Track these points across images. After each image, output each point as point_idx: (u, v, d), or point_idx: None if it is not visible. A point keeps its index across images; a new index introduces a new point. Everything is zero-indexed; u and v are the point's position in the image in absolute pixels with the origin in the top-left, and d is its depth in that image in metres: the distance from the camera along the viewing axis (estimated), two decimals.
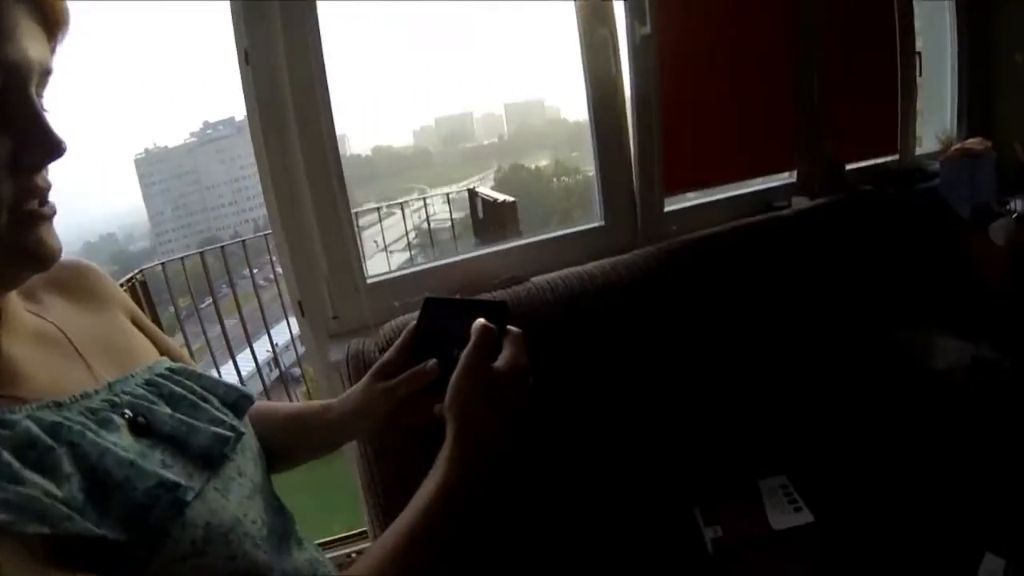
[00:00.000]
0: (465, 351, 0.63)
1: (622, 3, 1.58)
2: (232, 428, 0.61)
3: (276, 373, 4.42)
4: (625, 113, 1.64)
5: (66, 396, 0.51)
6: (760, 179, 1.94)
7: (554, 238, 1.61)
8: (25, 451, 0.44)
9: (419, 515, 0.56)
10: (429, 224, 1.91)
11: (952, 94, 2.20)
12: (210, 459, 0.57)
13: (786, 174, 1.96)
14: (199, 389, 0.63)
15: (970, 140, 1.98)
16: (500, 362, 0.63)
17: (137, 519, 0.47)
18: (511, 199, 1.84)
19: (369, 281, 1.43)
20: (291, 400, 3.43)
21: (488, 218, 1.87)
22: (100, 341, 0.61)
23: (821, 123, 1.90)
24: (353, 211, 1.46)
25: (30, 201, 0.48)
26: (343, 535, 1.99)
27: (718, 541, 1.27)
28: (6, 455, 0.42)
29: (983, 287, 1.88)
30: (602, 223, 1.65)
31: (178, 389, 0.61)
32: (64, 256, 0.53)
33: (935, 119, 2.25)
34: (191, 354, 2.74)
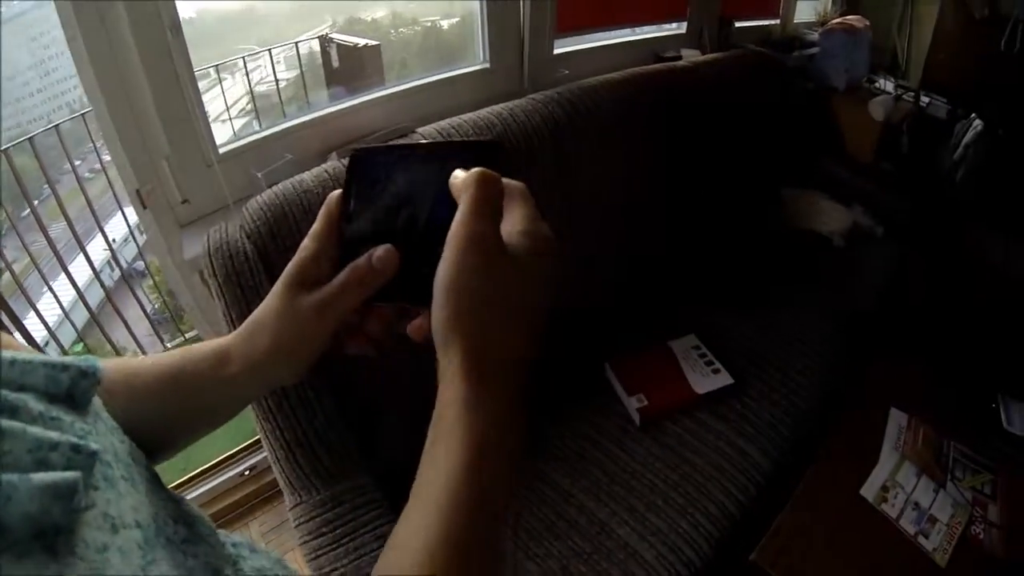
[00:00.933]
0: (457, 220, 0.36)
1: None
2: (74, 453, 0.29)
3: (117, 274, 3.77)
4: None
5: None
6: (649, 27, 1.88)
7: (433, 82, 1.41)
8: None
9: (452, 509, 0.33)
10: (277, 83, 1.62)
11: None
12: (44, 534, 0.26)
13: (674, 24, 1.92)
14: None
15: (850, 16, 2.04)
16: (514, 237, 0.38)
17: None
18: (374, 42, 1.58)
19: (221, 151, 1.17)
20: (140, 303, 2.89)
21: (346, 66, 1.62)
22: None
23: None
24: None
25: None
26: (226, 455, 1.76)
27: (644, 411, 1.27)
28: None
29: (856, 156, 2.00)
30: (487, 65, 1.47)
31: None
32: None
33: None
34: (12, 275, 2.27)
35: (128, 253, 3.86)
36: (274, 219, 1.01)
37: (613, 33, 1.79)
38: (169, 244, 1.15)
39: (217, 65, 1.51)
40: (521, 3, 1.47)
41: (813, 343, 1.47)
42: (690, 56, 1.77)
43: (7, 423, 0.28)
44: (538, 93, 1.35)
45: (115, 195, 2.55)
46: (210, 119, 1.15)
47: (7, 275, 2.27)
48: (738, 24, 1.97)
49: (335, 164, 1.10)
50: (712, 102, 1.64)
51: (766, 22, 2.15)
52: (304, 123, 1.27)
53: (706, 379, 1.33)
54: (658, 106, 1.51)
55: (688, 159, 1.58)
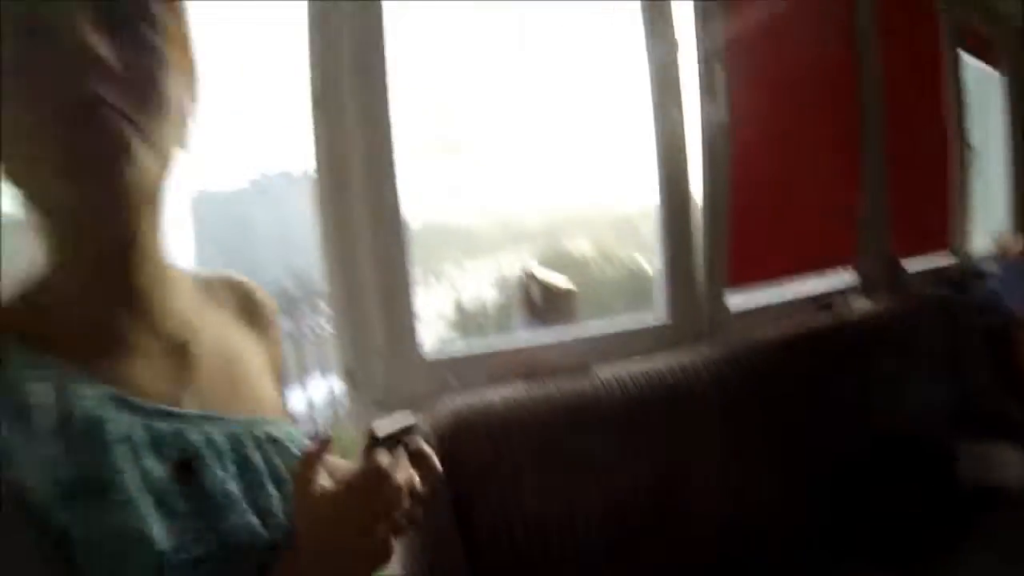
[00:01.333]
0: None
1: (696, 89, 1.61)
2: (277, 534, 0.50)
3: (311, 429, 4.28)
4: (692, 205, 1.64)
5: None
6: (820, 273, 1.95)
7: (617, 334, 1.57)
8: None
9: None
10: (483, 304, 1.92)
11: (1007, 193, 2.21)
12: (228, 555, 0.47)
13: (844, 272, 1.97)
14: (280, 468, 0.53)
15: None
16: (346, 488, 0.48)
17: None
18: (572, 288, 1.84)
19: (427, 358, 1.37)
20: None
21: (544, 305, 1.87)
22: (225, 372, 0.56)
23: (883, 222, 1.93)
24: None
25: None
26: None
27: None
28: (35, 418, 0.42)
29: None
30: (668, 321, 1.61)
31: (257, 458, 0.52)
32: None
33: (987, 217, 2.26)
34: None
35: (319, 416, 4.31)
36: (458, 425, 1.19)
37: (785, 289, 1.88)
38: (366, 424, 1.33)
39: (430, 272, 1.82)
40: (699, 259, 1.64)
41: None
42: (860, 306, 1.80)
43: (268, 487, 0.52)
44: (710, 349, 1.47)
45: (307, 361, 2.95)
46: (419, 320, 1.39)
47: None
48: (909, 262, 1.98)
49: (521, 391, 1.27)
50: (879, 354, 1.65)
51: (939, 259, 2.13)
52: (500, 348, 1.48)
53: None
54: (823, 360, 1.56)
55: (851, 413, 1.58)
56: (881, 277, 1.91)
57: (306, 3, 1.28)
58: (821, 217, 1.86)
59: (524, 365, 1.41)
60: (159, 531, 0.44)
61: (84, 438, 0.44)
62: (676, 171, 1.62)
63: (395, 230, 1.32)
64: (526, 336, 1.57)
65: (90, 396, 0.45)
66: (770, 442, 1.45)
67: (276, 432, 0.55)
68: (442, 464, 1.09)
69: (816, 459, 1.51)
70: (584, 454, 1.26)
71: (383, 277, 1.32)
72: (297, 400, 3.54)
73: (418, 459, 0.53)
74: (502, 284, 1.98)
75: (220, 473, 0.49)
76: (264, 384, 0.61)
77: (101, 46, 0.42)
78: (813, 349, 1.58)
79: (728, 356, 1.46)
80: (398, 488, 0.49)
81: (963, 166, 2.16)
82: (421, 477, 0.52)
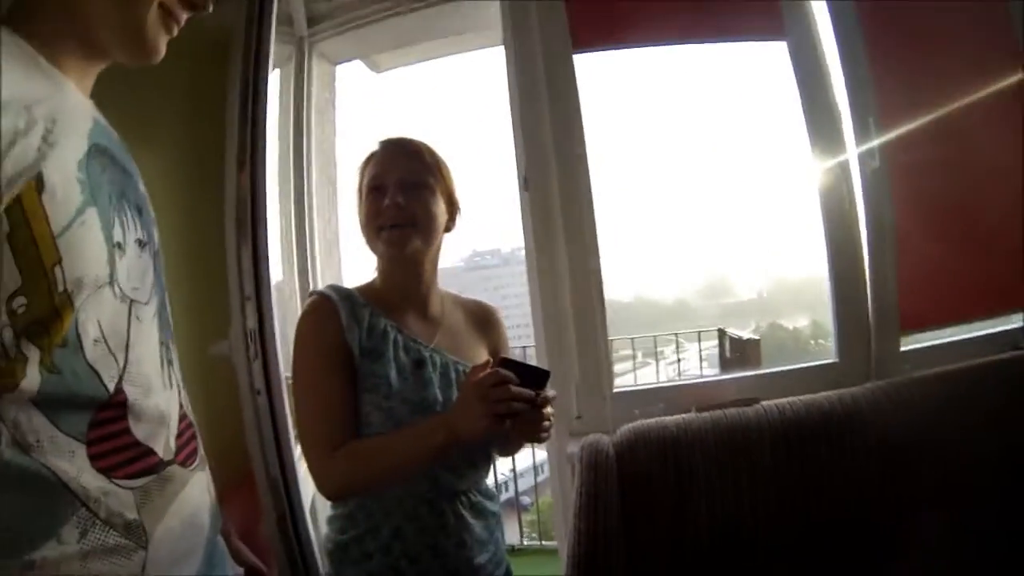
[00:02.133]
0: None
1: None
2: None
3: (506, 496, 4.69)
4: (861, 248, 1.75)
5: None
6: (1008, 317, 1.85)
7: (788, 370, 1.76)
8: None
9: (404, 431, 1.05)
10: (679, 364, 2.18)
11: None
12: (423, 410, 1.10)
13: None
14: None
15: None
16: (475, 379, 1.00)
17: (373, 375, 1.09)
18: (756, 337, 2.04)
19: (615, 391, 1.69)
20: (520, 537, 4.03)
21: (734, 356, 2.08)
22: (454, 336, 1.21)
23: None
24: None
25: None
26: None
27: None
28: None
29: None
30: (836, 360, 1.75)
31: (451, 375, 1.15)
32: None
33: None
34: None
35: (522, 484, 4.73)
36: (635, 438, 1.46)
37: (969, 327, 1.85)
38: (559, 442, 1.65)
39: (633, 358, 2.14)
40: (868, 305, 1.73)
41: None
42: None
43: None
44: (873, 383, 1.56)
45: None
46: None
47: None
48: None
49: (693, 415, 1.51)
50: None
51: None
52: (680, 385, 1.75)
53: None
54: (993, 396, 1.51)
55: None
56: None
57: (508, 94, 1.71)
58: (1002, 256, 1.79)
59: (698, 397, 1.67)
60: (395, 379, 1.09)
61: (382, 336, 1.11)
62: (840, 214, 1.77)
63: (594, 293, 1.68)
64: (706, 377, 1.80)
65: (390, 325, 1.12)
66: (930, 473, 1.46)
67: (465, 370, 1.15)
68: (617, 473, 1.38)
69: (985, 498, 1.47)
70: (743, 470, 1.43)
71: (582, 327, 1.69)
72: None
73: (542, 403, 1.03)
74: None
75: (432, 374, 1.12)
76: (477, 356, 1.19)
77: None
78: (985, 383, 1.55)
79: (890, 388, 1.53)
80: (510, 391, 0.97)
81: None
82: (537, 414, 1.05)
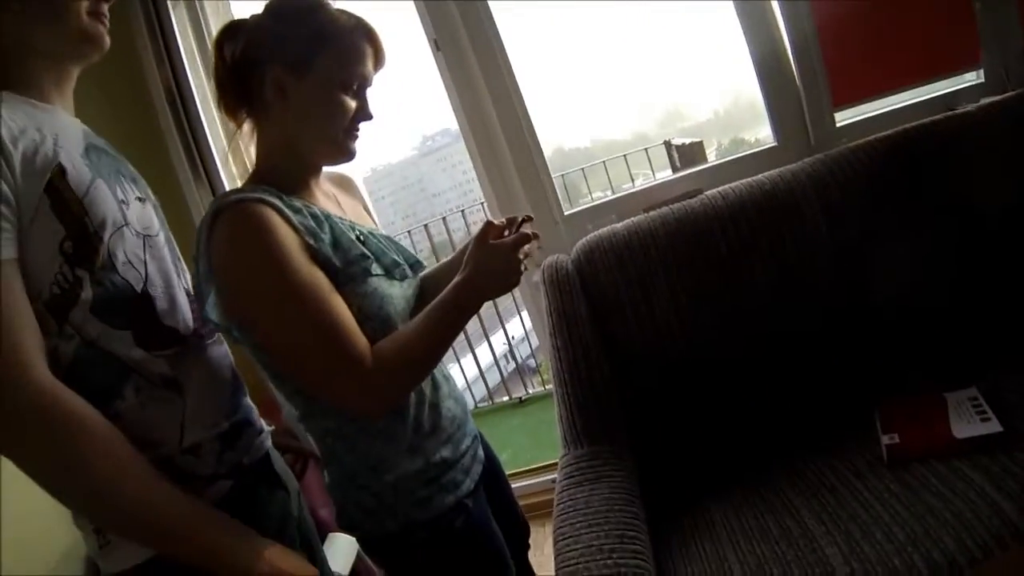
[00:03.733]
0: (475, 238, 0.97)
1: None
2: (403, 272, 1.04)
3: (512, 365, 4.95)
4: (780, 33, 1.75)
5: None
6: (943, 82, 1.85)
7: (730, 160, 1.78)
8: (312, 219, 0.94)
9: (429, 312, 0.94)
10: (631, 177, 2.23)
11: None
12: (389, 271, 1.00)
13: (972, 74, 1.85)
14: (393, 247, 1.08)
15: None
16: (496, 243, 0.94)
17: (348, 262, 0.94)
18: (698, 140, 2.05)
19: (566, 213, 1.74)
20: (526, 390, 4.11)
21: (683, 160, 2.10)
22: (352, 210, 1.11)
23: (1007, 7, 1.76)
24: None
25: (356, 130, 1.00)
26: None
27: (892, 448, 1.25)
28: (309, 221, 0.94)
29: None
30: (775, 144, 1.77)
31: (380, 238, 1.05)
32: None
33: None
34: None
35: (523, 351, 4.92)
36: (590, 249, 1.51)
37: (903, 96, 1.86)
38: (525, 275, 1.72)
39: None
40: (798, 84, 1.75)
41: None
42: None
43: (392, 248, 1.08)
44: (811, 157, 1.58)
45: (515, 301, 3.43)
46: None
47: None
48: None
49: (642, 216, 1.55)
50: (1005, 147, 1.55)
51: None
52: (629, 194, 1.78)
53: (970, 425, 1.24)
54: (931, 158, 1.54)
55: (970, 210, 1.53)
56: (1013, 71, 1.76)
57: None
58: (931, 18, 1.79)
59: (646, 201, 1.70)
60: (368, 259, 0.98)
61: (326, 222, 0.97)
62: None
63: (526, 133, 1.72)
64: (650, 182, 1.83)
65: (319, 211, 0.98)
66: (879, 236, 1.51)
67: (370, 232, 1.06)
68: (580, 284, 1.41)
69: (932, 250, 1.51)
70: (696, 258, 1.48)
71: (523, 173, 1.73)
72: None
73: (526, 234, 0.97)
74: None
75: (375, 241, 1.04)
76: (365, 219, 1.14)
77: None
78: (922, 145, 1.56)
79: (827, 159, 1.55)
80: (517, 247, 0.94)
81: None
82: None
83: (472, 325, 3.51)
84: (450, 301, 0.93)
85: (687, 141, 2.08)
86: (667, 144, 2.19)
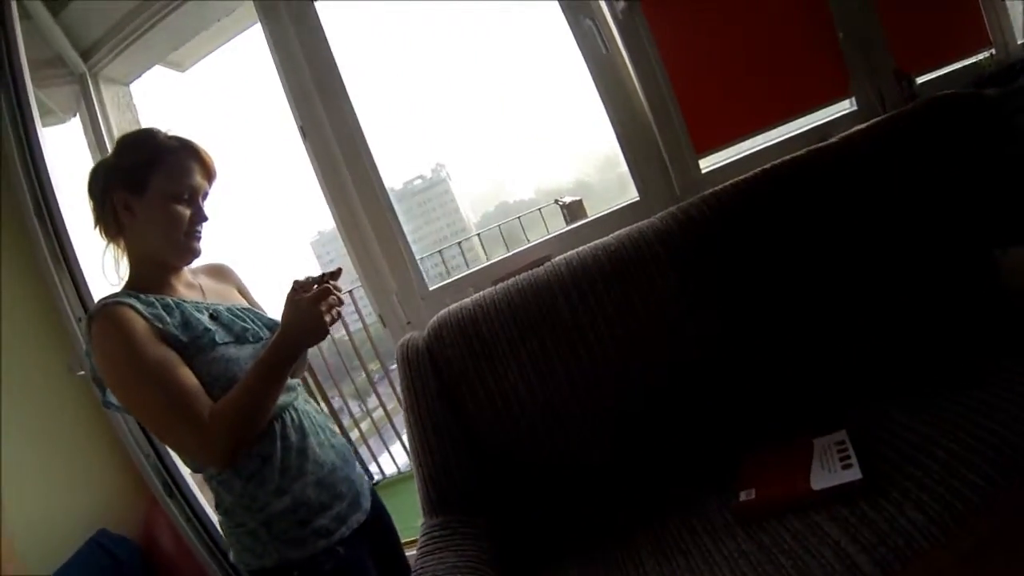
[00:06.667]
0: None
1: None
2: (256, 335, 1.21)
3: None
4: (635, 87, 1.76)
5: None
6: (820, 112, 1.84)
7: (593, 221, 1.78)
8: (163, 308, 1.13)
9: (252, 370, 1.10)
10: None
11: None
12: (240, 337, 1.18)
13: (847, 102, 1.84)
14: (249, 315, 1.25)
15: None
16: (299, 299, 1.11)
17: (195, 336, 1.11)
18: (577, 198, 2.08)
19: (431, 288, 1.76)
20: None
21: (572, 219, 2.12)
22: (216, 292, 1.28)
23: (872, 32, 1.77)
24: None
25: (196, 232, 1.18)
26: None
27: (741, 506, 1.22)
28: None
29: None
30: (638, 197, 1.77)
31: (236, 311, 1.23)
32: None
33: None
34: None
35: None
36: (439, 326, 1.52)
37: (779, 130, 1.84)
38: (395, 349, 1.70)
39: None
40: (655, 134, 1.75)
41: (1013, 433, 1.14)
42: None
43: (250, 319, 1.27)
44: (662, 212, 1.56)
45: None
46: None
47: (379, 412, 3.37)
48: (930, 76, 1.81)
49: (490, 289, 1.55)
50: (868, 176, 1.53)
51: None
52: (484, 267, 1.80)
53: (830, 475, 1.18)
54: (795, 195, 1.52)
55: (854, 236, 1.51)
56: (886, 96, 1.76)
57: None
58: (794, 54, 1.81)
59: (498, 272, 1.71)
60: (213, 333, 1.15)
61: (177, 311, 1.15)
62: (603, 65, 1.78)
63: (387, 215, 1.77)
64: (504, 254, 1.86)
65: (173, 301, 1.15)
66: (733, 283, 1.49)
67: (243, 306, 1.28)
68: (429, 361, 1.42)
69: (791, 290, 1.50)
70: (542, 327, 1.47)
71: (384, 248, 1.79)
72: None
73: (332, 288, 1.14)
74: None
75: (230, 317, 1.21)
76: (237, 300, 1.33)
77: None
78: (774, 185, 1.54)
79: (679, 212, 1.53)
80: (318, 301, 1.10)
81: None
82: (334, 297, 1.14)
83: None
84: (266, 360, 1.10)
85: (569, 200, 2.11)
86: (557, 202, 2.24)
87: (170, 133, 1.18)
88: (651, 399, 1.47)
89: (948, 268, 1.53)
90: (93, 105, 2.18)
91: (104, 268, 1.19)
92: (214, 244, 1.25)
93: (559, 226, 2.12)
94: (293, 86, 1.74)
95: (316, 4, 1.76)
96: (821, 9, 1.79)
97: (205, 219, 1.19)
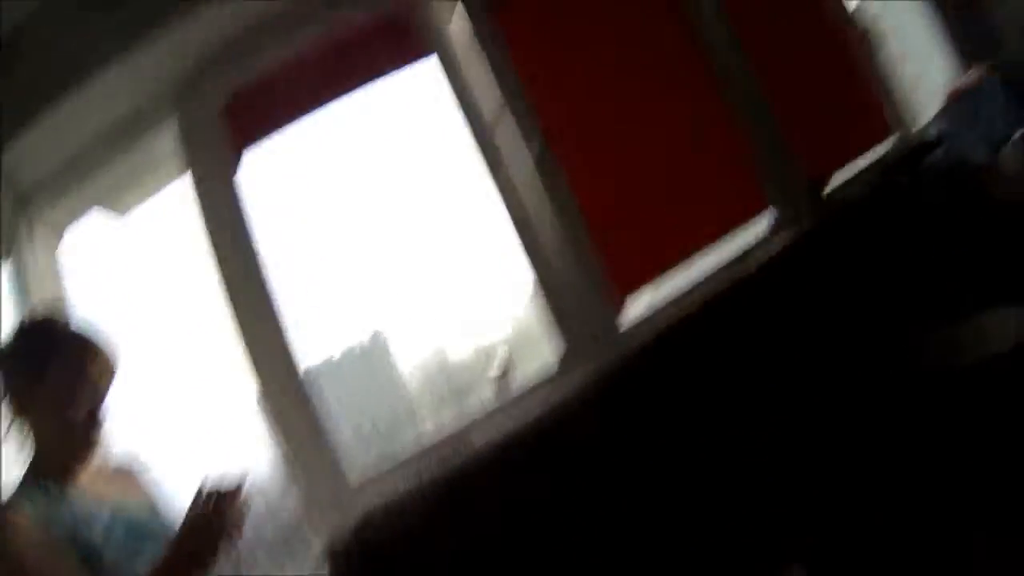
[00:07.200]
0: None
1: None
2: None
3: None
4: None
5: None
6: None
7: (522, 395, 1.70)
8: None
9: None
10: None
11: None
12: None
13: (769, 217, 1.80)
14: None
15: (967, 74, 1.68)
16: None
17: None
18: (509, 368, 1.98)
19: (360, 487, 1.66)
20: None
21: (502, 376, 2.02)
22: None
23: (778, 147, 1.77)
24: None
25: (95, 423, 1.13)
26: None
27: None
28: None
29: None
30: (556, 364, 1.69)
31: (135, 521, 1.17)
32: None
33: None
34: None
35: None
36: (363, 524, 1.36)
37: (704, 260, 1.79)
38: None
39: None
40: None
41: None
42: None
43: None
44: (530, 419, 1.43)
45: None
46: None
47: None
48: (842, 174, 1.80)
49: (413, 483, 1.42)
50: (797, 292, 1.45)
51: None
52: (416, 455, 1.68)
53: None
54: (729, 329, 1.43)
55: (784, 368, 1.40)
56: (802, 205, 1.72)
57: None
58: (706, 179, 1.79)
59: (431, 456, 1.58)
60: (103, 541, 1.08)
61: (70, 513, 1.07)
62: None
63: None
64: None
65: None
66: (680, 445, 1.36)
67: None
68: (358, 559, 1.28)
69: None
70: (466, 521, 1.34)
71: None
72: None
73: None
74: None
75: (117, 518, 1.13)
76: (138, 498, 1.25)
77: None
78: (713, 323, 1.44)
79: (603, 378, 1.44)
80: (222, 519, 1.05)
81: (868, 51, 1.94)
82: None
83: None
84: (161, 570, 1.03)
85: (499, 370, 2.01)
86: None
87: (72, 322, 1.19)
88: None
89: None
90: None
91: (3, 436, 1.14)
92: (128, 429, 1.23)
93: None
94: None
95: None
96: (725, 128, 1.79)
97: (102, 421, 1.15)
